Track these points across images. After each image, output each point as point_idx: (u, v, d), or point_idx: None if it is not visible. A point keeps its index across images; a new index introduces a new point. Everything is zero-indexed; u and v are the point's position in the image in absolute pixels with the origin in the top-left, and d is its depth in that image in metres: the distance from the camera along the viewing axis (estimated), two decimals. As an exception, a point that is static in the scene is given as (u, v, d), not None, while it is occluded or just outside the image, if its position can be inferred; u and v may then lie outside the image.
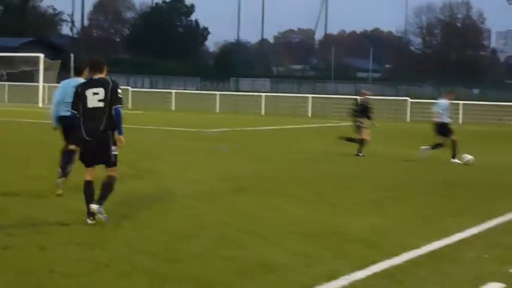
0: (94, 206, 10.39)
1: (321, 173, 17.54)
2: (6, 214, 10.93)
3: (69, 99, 11.25)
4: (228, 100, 57.62)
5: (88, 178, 10.69)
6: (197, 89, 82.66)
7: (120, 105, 10.51)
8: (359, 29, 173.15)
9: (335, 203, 13.03)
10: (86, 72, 12.53)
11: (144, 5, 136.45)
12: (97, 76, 10.64)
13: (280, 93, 66.25)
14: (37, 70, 57.74)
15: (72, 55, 56.91)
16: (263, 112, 53.16)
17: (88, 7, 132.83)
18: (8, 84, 61.41)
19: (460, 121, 44.70)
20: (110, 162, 10.65)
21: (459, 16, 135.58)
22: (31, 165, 17.17)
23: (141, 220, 10.79)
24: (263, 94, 57.81)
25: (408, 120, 49.73)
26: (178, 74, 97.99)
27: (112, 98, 10.42)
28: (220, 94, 57.69)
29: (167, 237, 9.74)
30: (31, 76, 62.50)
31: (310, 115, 52.08)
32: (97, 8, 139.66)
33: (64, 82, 13.47)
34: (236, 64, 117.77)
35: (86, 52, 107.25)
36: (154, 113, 48.69)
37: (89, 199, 10.54)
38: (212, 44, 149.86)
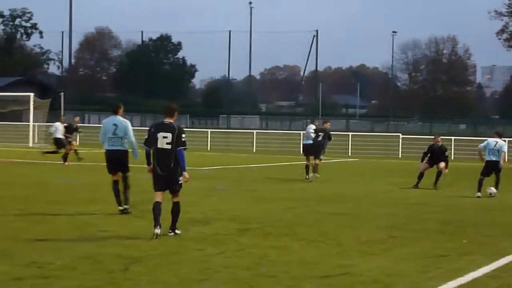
0: (171, 234, 13.12)
1: (322, 212, 17.47)
2: (12, 258, 10.80)
3: (111, 134, 16.10)
4: (219, 137, 57.59)
5: (158, 199, 13.10)
6: (186, 127, 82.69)
7: (183, 147, 13.07)
8: (345, 65, 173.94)
9: (341, 243, 12.96)
10: (121, 111, 16.23)
11: (130, 42, 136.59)
12: (168, 120, 13.20)
13: (271, 130, 66.22)
14: (26, 110, 57.56)
15: (62, 94, 56.87)
16: (254, 149, 53.09)
17: (74, 45, 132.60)
18: (-3, 124, 61.13)
19: (453, 157, 44.76)
20: (176, 190, 13.23)
21: (445, 51, 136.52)
22: (30, 206, 17.02)
23: (149, 263, 10.69)
24: (254, 131, 57.85)
25: (400, 156, 49.76)
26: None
27: (177, 141, 12.99)
28: (211, 131, 57.67)
29: (178, 280, 9.64)
30: (19, 116, 62.33)
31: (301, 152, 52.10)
32: (83, 46, 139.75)
33: (104, 121, 16.67)
34: (224, 101, 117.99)
35: (73, 90, 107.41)
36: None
37: (157, 216, 12.93)
38: (198, 81, 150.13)
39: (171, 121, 13.24)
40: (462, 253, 12.15)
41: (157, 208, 13.00)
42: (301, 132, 55.76)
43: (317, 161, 26.99)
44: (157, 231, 12.82)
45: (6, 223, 14.38)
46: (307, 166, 27.43)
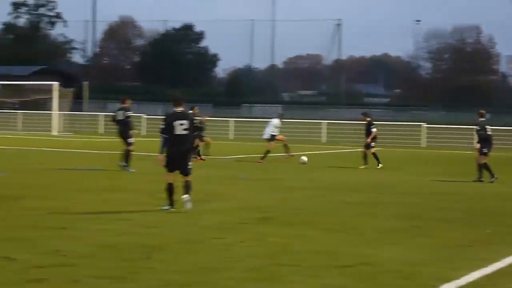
0: (185, 196, 14.57)
1: (343, 201, 17.40)
2: (35, 246, 10.82)
3: None
4: (241, 126, 57.46)
5: (171, 181, 14.70)
6: (209, 116, 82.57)
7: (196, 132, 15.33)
8: (368, 54, 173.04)
9: (362, 232, 12.89)
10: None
11: (153, 32, 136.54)
12: (180, 109, 14.92)
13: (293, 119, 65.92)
14: (50, 99, 57.80)
15: (85, 83, 57.09)
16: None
17: (98, 35, 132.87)
18: (21, 113, 61.45)
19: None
20: (188, 172, 14.77)
21: (469, 40, 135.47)
22: (51, 195, 17.08)
23: (170, 252, 10.67)
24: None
25: (424, 145, 49.51)
26: (189, 101, 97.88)
27: (193, 127, 14.87)
28: (234, 120, 57.57)
29: (197, 269, 9.62)
30: (43, 105, 62.58)
31: (325, 141, 51.98)
32: (106, 35, 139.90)
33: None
34: (246, 91, 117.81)
35: (97, 79, 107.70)
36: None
37: (171, 194, 14.62)
38: (221, 70, 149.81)
39: (183, 109, 15.00)
40: (486, 243, 12.06)
41: (170, 187, 14.66)
42: (324, 121, 55.66)
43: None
44: (173, 209, 14.55)
45: (29, 210, 14.42)
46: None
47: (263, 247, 11.19)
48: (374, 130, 29.12)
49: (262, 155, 30.00)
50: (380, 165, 28.41)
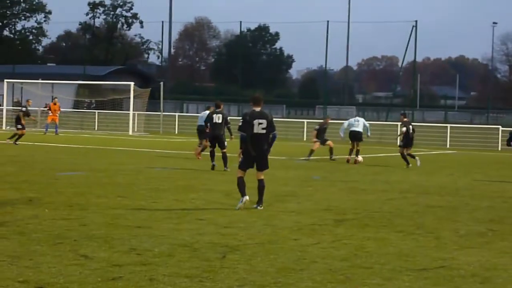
0: (246, 197, 15.02)
1: (420, 204, 17.25)
2: (112, 245, 10.99)
3: None
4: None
5: (241, 175, 15.19)
6: (282, 117, 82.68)
7: (275, 131, 15.37)
8: (444, 56, 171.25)
9: (439, 235, 12.77)
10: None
11: (229, 33, 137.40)
12: (258, 108, 15.31)
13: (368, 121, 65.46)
14: (126, 98, 58.55)
15: (161, 84, 57.64)
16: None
17: (174, 35, 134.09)
18: (98, 112, 62.38)
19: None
20: (264, 167, 15.32)
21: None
22: (128, 194, 17.30)
23: (246, 252, 10.72)
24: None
25: (499, 148, 48.81)
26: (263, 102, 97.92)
27: (271, 126, 15.25)
28: (307, 121, 57.50)
29: (275, 269, 9.64)
30: (120, 104, 63.44)
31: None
32: (182, 36, 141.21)
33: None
34: (320, 92, 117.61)
35: (172, 80, 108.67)
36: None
37: (243, 188, 15.06)
38: (295, 72, 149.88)
39: (261, 108, 15.36)
40: None
41: (242, 182, 15.10)
42: (399, 123, 55.13)
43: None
44: (246, 197, 15.00)
45: (107, 209, 14.64)
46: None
47: (338, 249, 11.15)
48: (403, 129, 29.22)
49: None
50: (409, 165, 28.82)
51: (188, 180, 21.16)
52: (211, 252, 10.60)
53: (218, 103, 25.71)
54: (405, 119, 30.24)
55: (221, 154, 24.83)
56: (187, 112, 78.47)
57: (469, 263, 10.37)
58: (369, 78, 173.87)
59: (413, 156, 29.18)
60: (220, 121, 24.82)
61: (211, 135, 25.18)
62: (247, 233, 12.36)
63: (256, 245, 11.31)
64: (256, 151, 15.16)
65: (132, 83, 56.85)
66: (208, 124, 25.05)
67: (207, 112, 26.61)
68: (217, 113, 24.90)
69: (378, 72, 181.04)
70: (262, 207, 15.16)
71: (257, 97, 15.69)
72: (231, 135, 25.65)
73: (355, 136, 31.36)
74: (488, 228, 13.79)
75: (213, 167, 24.62)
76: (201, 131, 29.02)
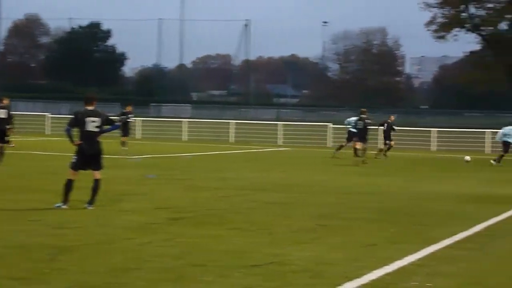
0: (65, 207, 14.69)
1: (255, 201, 17.47)
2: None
3: None
4: (150, 126, 57.01)
5: (74, 178, 14.90)
6: (117, 115, 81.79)
7: (115, 123, 16.29)
8: (277, 55, 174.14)
9: (273, 231, 12.98)
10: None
11: (59, 29, 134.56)
12: (91, 107, 15.17)
13: (203, 119, 65.86)
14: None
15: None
16: (186, 138, 52.73)
17: (2, 32, 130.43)
18: None
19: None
20: (99, 167, 15.20)
21: (375, 42, 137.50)
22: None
23: (77, 252, 10.57)
24: (185, 120, 57.60)
25: (330, 145, 49.98)
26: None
27: (107, 123, 15.35)
28: (142, 120, 57.08)
29: (107, 269, 9.55)
30: None
31: (233, 141, 51.98)
32: (12, 33, 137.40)
33: None
34: (155, 90, 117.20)
35: (3, 78, 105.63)
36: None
37: (68, 192, 14.78)
38: (129, 69, 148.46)
39: (94, 107, 15.28)
40: (391, 242, 12.27)
41: (70, 186, 14.84)
42: (233, 121, 55.70)
43: None
44: (65, 207, 14.74)
45: None
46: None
47: (172, 247, 11.18)
48: None
49: None
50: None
51: (25, 181, 20.59)
52: (43, 253, 10.39)
53: (2, 98, 25.94)
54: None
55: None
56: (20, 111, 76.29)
57: (301, 258, 10.60)
58: (204, 77, 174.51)
59: None
60: (4, 116, 25.11)
61: None
62: (80, 233, 12.18)
63: (89, 245, 11.16)
64: (89, 150, 14.96)
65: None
66: None
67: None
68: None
69: (213, 70, 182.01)
70: (93, 207, 14.91)
71: (89, 97, 15.63)
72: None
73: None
74: (320, 223, 14.10)
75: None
76: None
